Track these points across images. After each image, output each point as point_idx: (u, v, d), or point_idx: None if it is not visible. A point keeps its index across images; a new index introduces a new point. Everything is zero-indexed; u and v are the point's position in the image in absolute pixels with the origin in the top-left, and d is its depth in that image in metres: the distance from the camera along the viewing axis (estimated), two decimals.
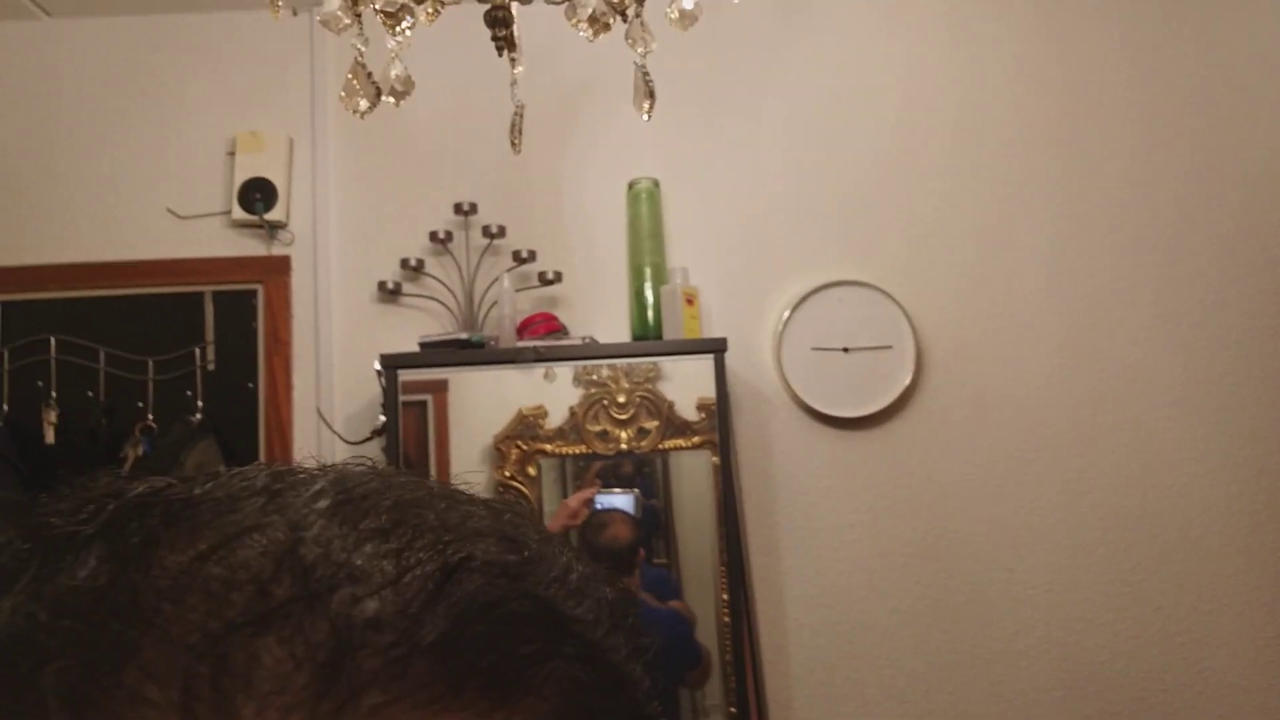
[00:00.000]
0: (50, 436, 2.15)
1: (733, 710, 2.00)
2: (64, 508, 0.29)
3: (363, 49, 1.25)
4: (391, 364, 2.04)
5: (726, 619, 2.02)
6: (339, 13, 1.24)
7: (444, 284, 2.22)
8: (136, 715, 0.24)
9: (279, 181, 2.24)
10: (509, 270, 2.18)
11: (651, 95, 1.17)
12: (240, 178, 2.23)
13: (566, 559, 0.33)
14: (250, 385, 2.21)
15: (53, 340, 2.19)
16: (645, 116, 1.18)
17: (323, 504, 0.29)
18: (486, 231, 2.21)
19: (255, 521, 0.28)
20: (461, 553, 0.29)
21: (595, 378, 2.08)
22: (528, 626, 0.29)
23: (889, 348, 2.22)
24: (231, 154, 2.27)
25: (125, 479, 0.30)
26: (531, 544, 0.32)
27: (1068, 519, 2.21)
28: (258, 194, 2.22)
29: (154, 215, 2.27)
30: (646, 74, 1.18)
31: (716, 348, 2.07)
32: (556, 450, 2.08)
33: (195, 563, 0.27)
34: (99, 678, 0.24)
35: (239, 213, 2.22)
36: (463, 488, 0.34)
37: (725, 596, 2.02)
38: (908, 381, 2.21)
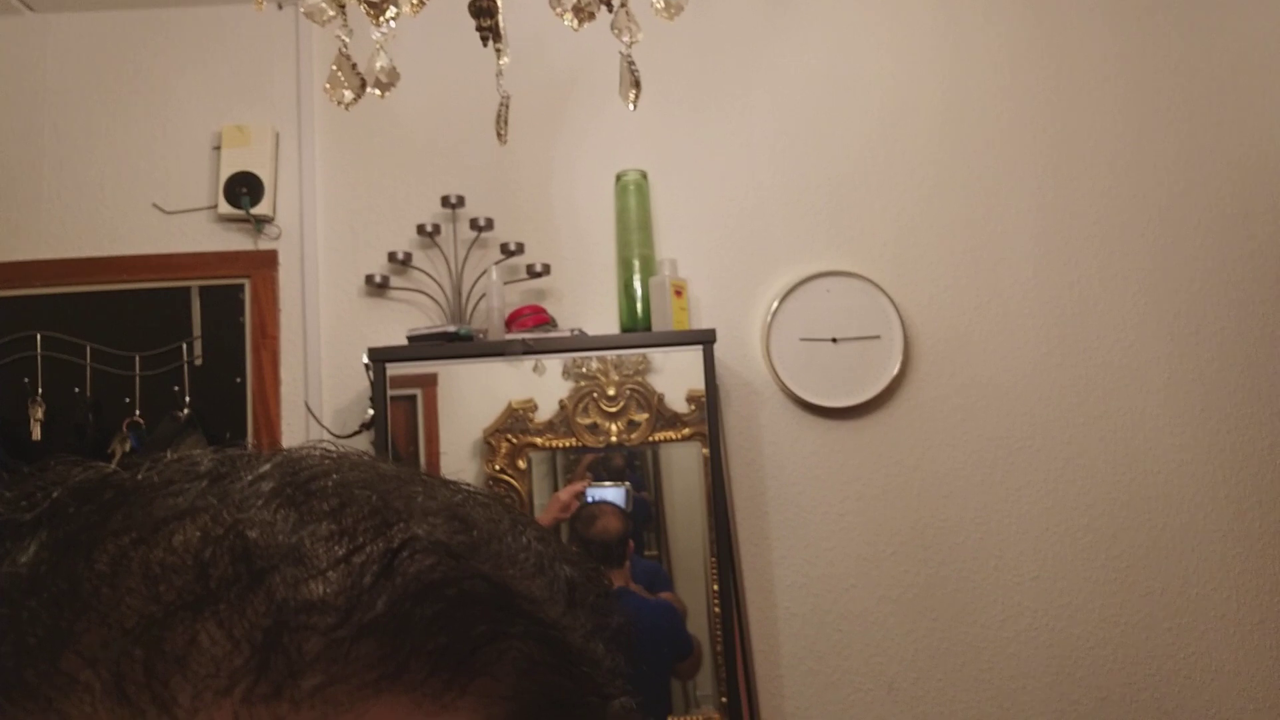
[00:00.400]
0: (37, 433, 2.14)
1: (724, 700, 2.00)
2: (10, 495, 0.28)
3: (347, 40, 1.25)
4: (379, 357, 2.03)
5: (717, 609, 2.03)
6: (323, 4, 1.23)
7: (432, 277, 2.22)
8: (71, 700, 0.24)
9: (265, 176, 2.23)
10: (497, 263, 2.17)
11: (637, 85, 1.17)
12: (226, 172, 2.22)
13: (525, 538, 0.32)
14: (238, 380, 2.20)
15: (38, 336, 2.18)
16: (631, 106, 1.18)
17: (267, 486, 0.29)
18: (474, 224, 2.20)
19: (196, 504, 0.28)
20: (406, 533, 0.29)
21: (585, 370, 2.08)
22: (477, 606, 0.28)
23: (877, 338, 2.22)
24: (217, 148, 2.26)
25: (73, 464, 0.30)
26: (481, 523, 0.31)
27: (1055, 506, 2.23)
28: (244, 188, 2.21)
29: (140, 210, 2.25)
30: (632, 63, 1.17)
31: (705, 339, 2.07)
32: (546, 443, 2.07)
33: (134, 546, 0.26)
34: (35, 663, 0.24)
35: (225, 207, 2.21)
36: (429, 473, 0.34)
37: (715, 587, 2.03)
38: (896, 371, 2.22)
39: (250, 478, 0.29)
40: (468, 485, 0.34)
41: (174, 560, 0.26)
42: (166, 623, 0.25)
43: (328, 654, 0.25)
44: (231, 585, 0.26)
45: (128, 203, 2.26)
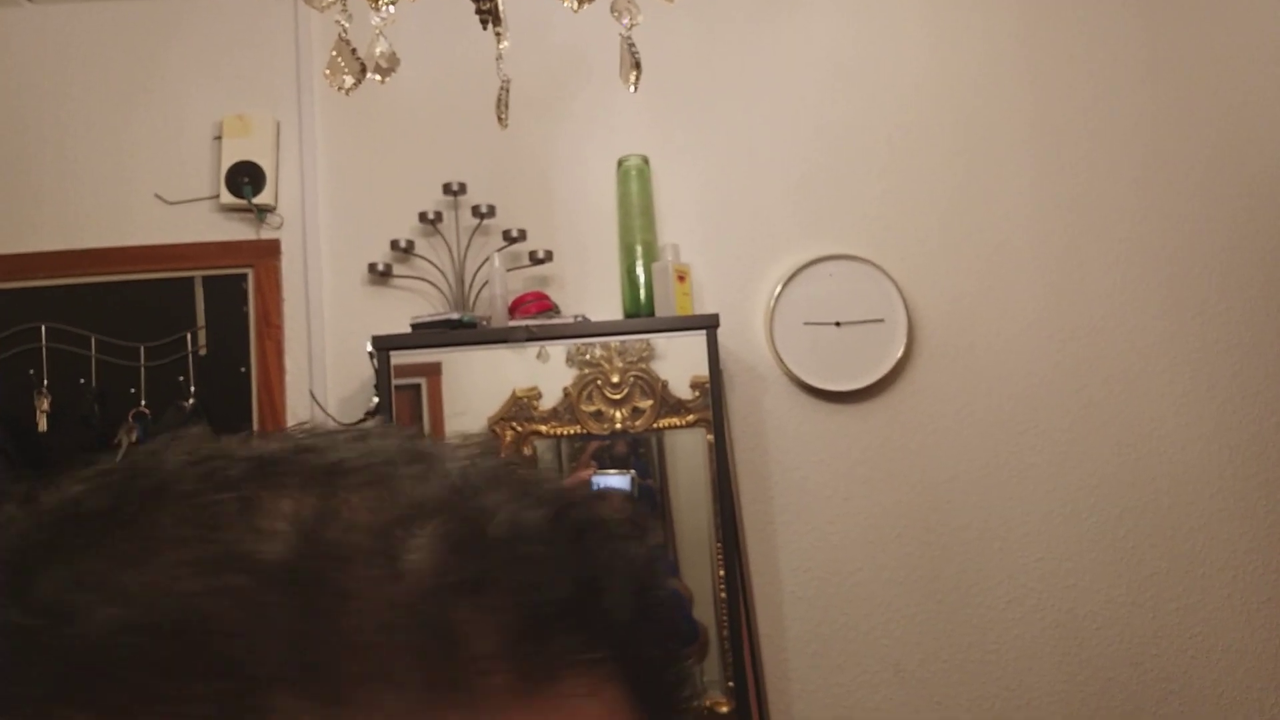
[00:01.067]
0: (43, 425, 2.14)
1: (731, 684, 2.01)
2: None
3: (346, 26, 1.25)
4: (383, 345, 2.03)
5: (723, 595, 2.03)
6: None
7: (434, 265, 2.22)
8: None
9: (267, 165, 2.23)
10: (499, 250, 2.17)
11: (638, 67, 1.17)
12: (228, 162, 2.22)
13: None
14: (243, 369, 2.21)
15: (43, 328, 2.18)
16: (632, 88, 1.18)
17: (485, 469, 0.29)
18: (476, 211, 2.20)
19: (434, 494, 0.27)
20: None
21: (589, 358, 2.07)
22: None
23: (881, 321, 2.22)
24: (218, 138, 2.26)
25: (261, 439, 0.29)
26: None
27: (1060, 487, 2.23)
28: (246, 178, 2.21)
29: (142, 201, 2.25)
30: (632, 45, 1.17)
31: (709, 324, 2.06)
32: (551, 431, 2.07)
33: (393, 526, 0.26)
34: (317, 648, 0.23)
35: (227, 197, 2.21)
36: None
37: (721, 573, 2.03)
38: (900, 354, 2.21)
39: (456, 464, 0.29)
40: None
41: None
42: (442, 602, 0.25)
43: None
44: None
45: (130, 194, 2.26)
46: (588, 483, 2.05)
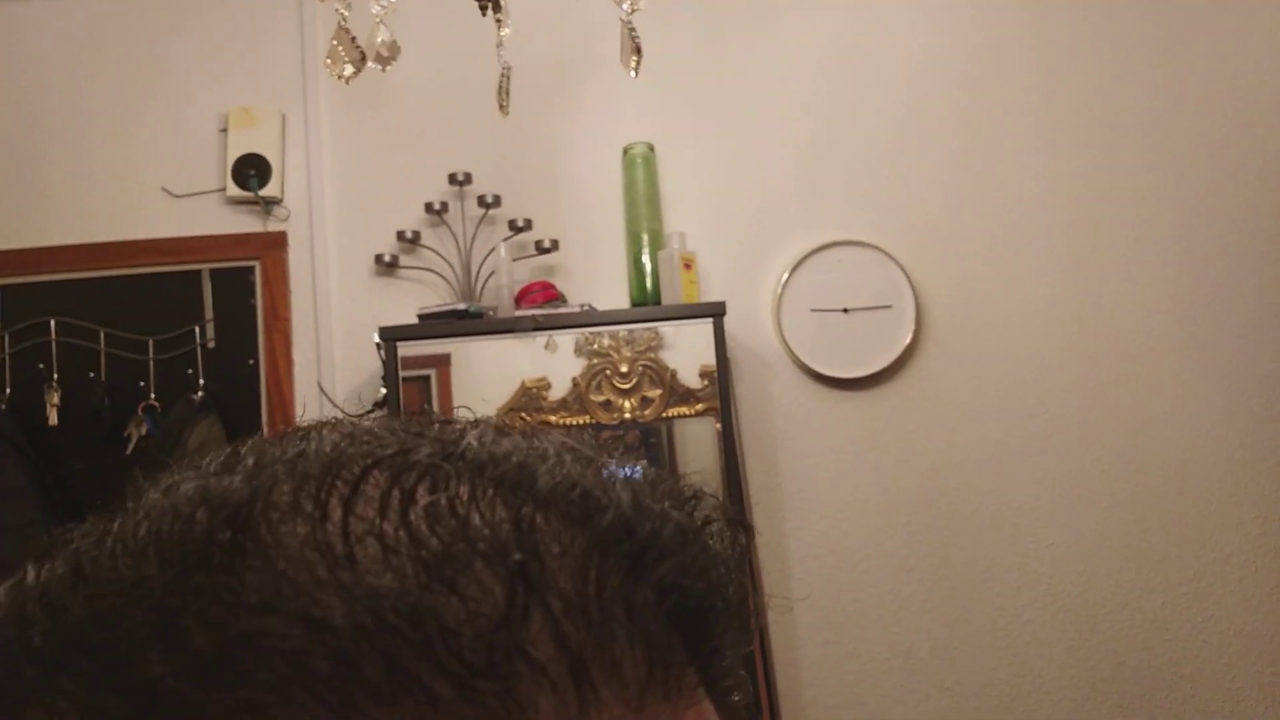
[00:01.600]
0: (53, 418, 2.15)
1: (740, 673, 2.01)
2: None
3: (346, 14, 1.25)
4: (390, 336, 2.04)
5: None
6: None
7: (441, 255, 2.22)
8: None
9: (273, 157, 2.23)
10: (505, 240, 2.17)
11: (638, 52, 1.16)
12: (234, 154, 2.22)
13: None
14: (251, 362, 2.21)
15: (53, 322, 2.19)
16: (633, 73, 1.18)
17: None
18: (482, 201, 2.20)
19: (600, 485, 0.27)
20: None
21: (597, 347, 2.07)
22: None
23: (889, 307, 2.21)
24: (224, 130, 2.26)
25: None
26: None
27: (1070, 472, 2.21)
28: (252, 170, 2.21)
29: (149, 194, 2.26)
30: (633, 30, 1.16)
31: (715, 311, 2.06)
32: (561, 421, 2.07)
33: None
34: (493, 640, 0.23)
35: (234, 189, 2.22)
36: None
37: None
38: (908, 340, 2.20)
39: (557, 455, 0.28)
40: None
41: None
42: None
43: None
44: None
45: (137, 187, 2.27)
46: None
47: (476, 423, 0.29)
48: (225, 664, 0.21)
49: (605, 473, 0.28)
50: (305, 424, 0.29)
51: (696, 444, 2.10)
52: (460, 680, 0.21)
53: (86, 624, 0.23)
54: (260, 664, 0.21)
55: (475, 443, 0.27)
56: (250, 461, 0.26)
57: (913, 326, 2.20)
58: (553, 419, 2.07)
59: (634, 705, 0.23)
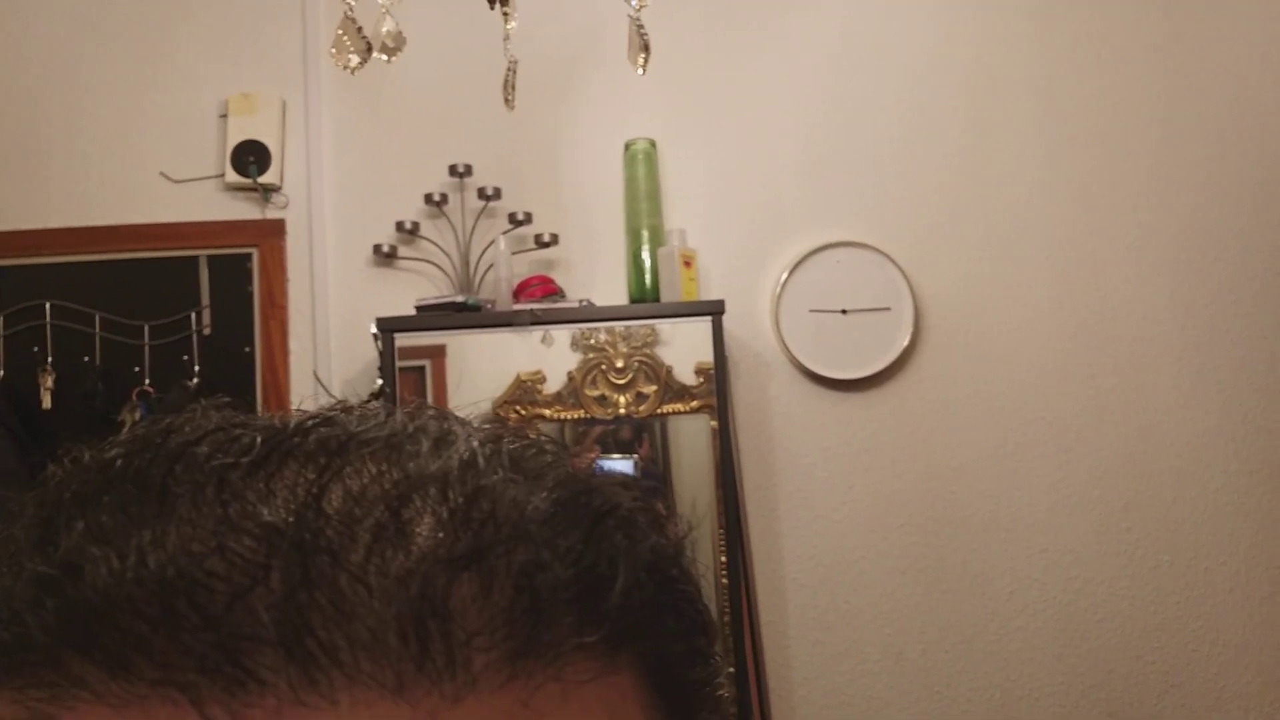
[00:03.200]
0: (47, 402, 2.14)
1: (731, 670, 2.01)
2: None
3: (352, 3, 1.24)
4: (387, 327, 2.03)
5: (725, 581, 2.03)
6: None
7: (439, 247, 2.21)
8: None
9: (272, 144, 2.22)
10: (505, 233, 2.16)
11: (646, 49, 1.15)
12: (233, 141, 2.21)
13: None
14: (247, 349, 2.20)
15: (48, 305, 2.18)
16: (640, 71, 1.17)
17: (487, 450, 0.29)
18: (482, 194, 2.19)
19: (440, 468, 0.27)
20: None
21: (593, 342, 2.07)
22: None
23: (887, 309, 2.21)
24: (224, 117, 2.25)
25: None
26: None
27: (1066, 479, 2.22)
28: (251, 157, 2.20)
29: (147, 179, 2.25)
30: (641, 27, 1.16)
31: (714, 310, 2.06)
32: (555, 415, 2.07)
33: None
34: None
35: (233, 176, 2.20)
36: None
37: (723, 559, 2.03)
38: (906, 343, 2.20)
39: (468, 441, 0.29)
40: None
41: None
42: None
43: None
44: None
45: (135, 171, 2.25)
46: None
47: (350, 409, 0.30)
48: (13, 605, 0.24)
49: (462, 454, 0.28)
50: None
51: (691, 441, 2.10)
52: (192, 635, 0.23)
53: None
54: (33, 605, 0.24)
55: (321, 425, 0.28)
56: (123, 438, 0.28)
57: (911, 329, 2.20)
58: (547, 413, 2.06)
59: (391, 683, 0.23)
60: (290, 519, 0.24)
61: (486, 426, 0.31)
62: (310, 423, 0.28)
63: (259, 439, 0.27)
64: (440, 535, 0.25)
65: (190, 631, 0.22)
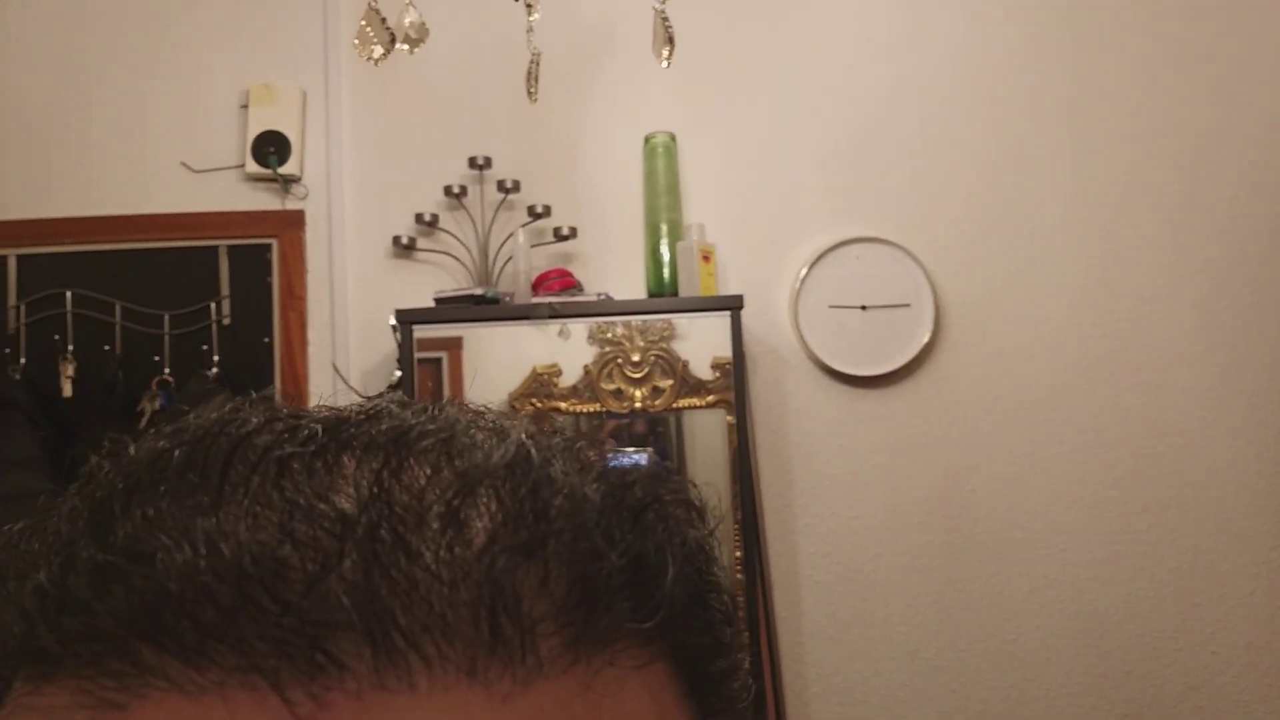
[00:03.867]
0: (67, 390, 2.15)
1: (746, 666, 2.01)
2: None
3: None
4: (406, 319, 2.03)
5: (740, 577, 2.03)
6: None
7: (459, 239, 2.21)
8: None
9: (293, 135, 2.22)
10: (524, 225, 2.16)
11: (671, 42, 1.15)
12: (254, 131, 2.21)
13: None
14: (266, 340, 2.21)
15: (69, 294, 2.19)
16: (664, 64, 1.16)
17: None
18: (501, 186, 2.19)
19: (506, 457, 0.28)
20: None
21: (610, 336, 2.07)
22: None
23: (907, 305, 2.20)
24: (245, 107, 2.25)
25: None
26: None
27: (1084, 478, 2.20)
28: (271, 147, 2.20)
29: (168, 169, 2.25)
30: (666, 20, 1.15)
31: (733, 305, 2.05)
32: (571, 409, 2.07)
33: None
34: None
35: (253, 166, 2.21)
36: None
37: (739, 555, 2.02)
38: (926, 339, 2.19)
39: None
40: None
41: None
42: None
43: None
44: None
45: (156, 161, 2.26)
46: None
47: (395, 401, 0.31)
48: (72, 594, 0.24)
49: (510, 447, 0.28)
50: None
51: (706, 436, 2.09)
52: (271, 621, 0.23)
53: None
54: (98, 594, 0.24)
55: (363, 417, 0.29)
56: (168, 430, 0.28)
57: (931, 326, 2.19)
58: (563, 406, 2.06)
59: (465, 666, 0.23)
60: (359, 508, 0.25)
61: (530, 424, 0.31)
62: (367, 415, 0.29)
63: (320, 429, 0.27)
64: (502, 526, 0.26)
65: (269, 618, 0.23)
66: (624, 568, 0.27)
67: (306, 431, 0.27)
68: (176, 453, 0.27)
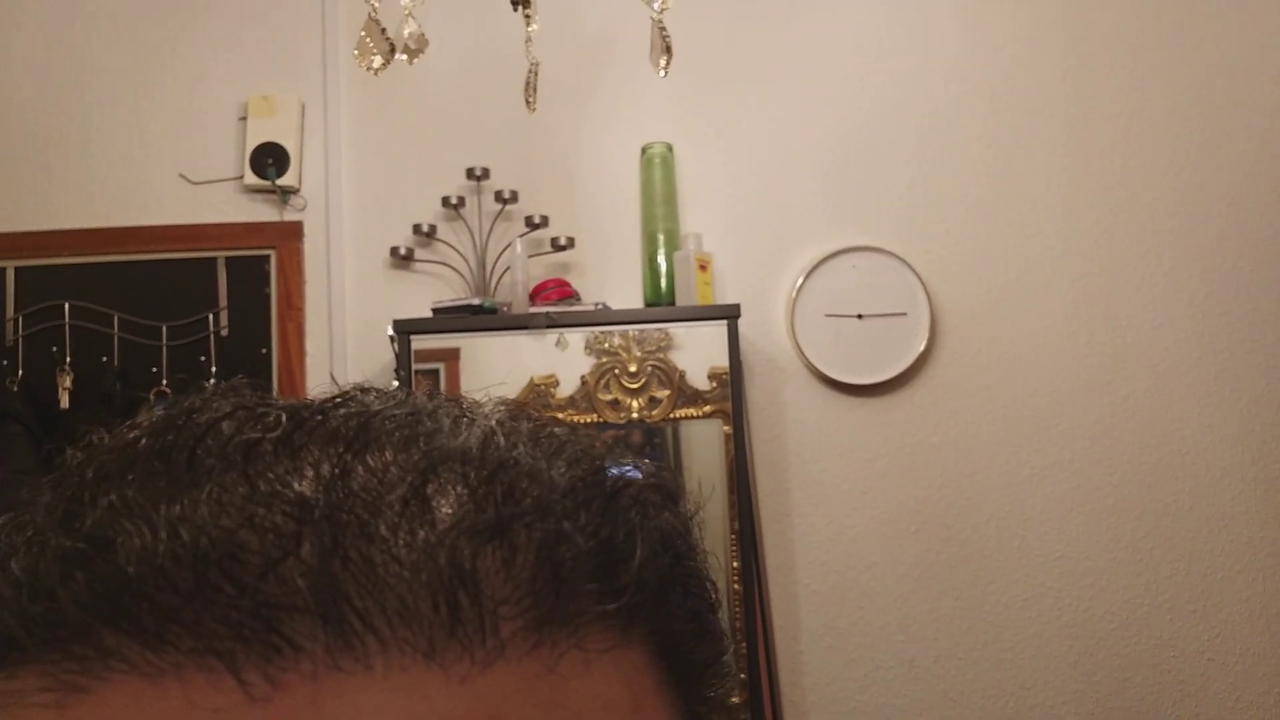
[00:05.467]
0: (65, 402, 2.15)
1: (743, 676, 2.00)
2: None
3: (376, 5, 1.24)
4: (404, 329, 2.03)
5: (737, 586, 2.03)
6: None
7: (456, 250, 2.22)
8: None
9: (291, 147, 2.23)
10: (521, 236, 2.17)
11: (669, 51, 1.16)
12: (252, 142, 2.22)
13: None
14: (264, 351, 2.21)
15: (66, 306, 2.19)
16: (662, 73, 1.17)
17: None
18: (499, 197, 2.20)
19: (462, 444, 0.28)
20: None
21: (607, 346, 2.07)
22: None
23: (903, 314, 2.21)
24: (243, 119, 2.26)
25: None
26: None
27: (1080, 486, 2.21)
28: (270, 159, 2.21)
29: (166, 180, 2.26)
30: (664, 29, 1.16)
31: (730, 314, 2.06)
32: (568, 419, 2.07)
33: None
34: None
35: (251, 178, 2.22)
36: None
37: (736, 564, 2.03)
38: (922, 348, 2.20)
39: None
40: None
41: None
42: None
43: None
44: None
45: (154, 173, 2.27)
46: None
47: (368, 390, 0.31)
48: (41, 582, 0.24)
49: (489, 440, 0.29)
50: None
51: (703, 446, 2.09)
52: (228, 604, 0.23)
53: None
54: (63, 580, 0.24)
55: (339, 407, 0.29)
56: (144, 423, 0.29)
57: (927, 335, 2.20)
58: (560, 416, 2.06)
59: (423, 648, 0.23)
60: (319, 492, 0.25)
61: (501, 407, 0.32)
62: (332, 401, 0.29)
63: (284, 416, 0.27)
64: (465, 508, 0.26)
65: (225, 601, 0.23)
66: (591, 550, 0.27)
67: (271, 418, 0.27)
68: (143, 441, 0.27)
